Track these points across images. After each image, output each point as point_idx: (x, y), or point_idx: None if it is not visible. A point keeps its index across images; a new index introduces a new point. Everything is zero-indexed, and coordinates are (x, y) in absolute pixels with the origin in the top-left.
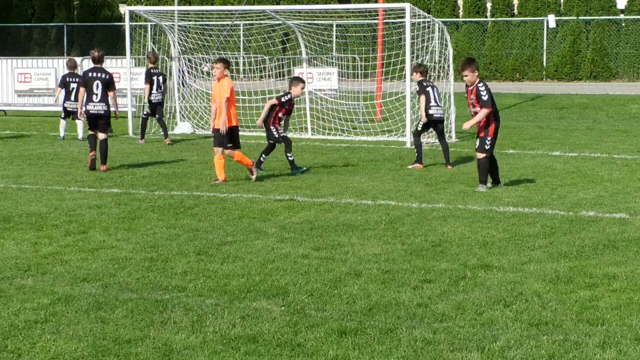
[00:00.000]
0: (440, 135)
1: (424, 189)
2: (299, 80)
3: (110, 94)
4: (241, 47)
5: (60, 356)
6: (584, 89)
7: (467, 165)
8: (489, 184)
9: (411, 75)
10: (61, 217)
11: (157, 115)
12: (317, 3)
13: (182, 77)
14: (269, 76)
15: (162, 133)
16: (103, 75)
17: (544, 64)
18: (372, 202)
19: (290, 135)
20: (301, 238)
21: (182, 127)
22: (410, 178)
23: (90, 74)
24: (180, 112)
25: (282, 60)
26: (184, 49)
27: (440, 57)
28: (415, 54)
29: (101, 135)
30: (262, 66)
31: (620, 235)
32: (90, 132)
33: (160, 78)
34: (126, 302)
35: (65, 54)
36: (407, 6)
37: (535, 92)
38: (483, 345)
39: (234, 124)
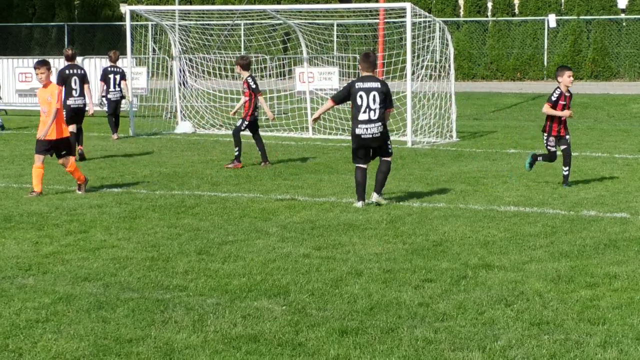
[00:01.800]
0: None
1: (424, 188)
2: None
3: (86, 86)
4: (242, 46)
5: (61, 355)
6: (585, 89)
7: (469, 165)
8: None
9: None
10: (62, 217)
11: (109, 112)
12: (318, 3)
13: (183, 77)
14: (269, 76)
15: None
16: (79, 71)
17: (545, 63)
18: (374, 202)
19: (291, 134)
20: (302, 237)
21: (183, 127)
22: (411, 177)
23: (67, 71)
24: (181, 112)
25: (283, 60)
26: (184, 48)
27: (441, 56)
28: (416, 54)
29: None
30: (263, 66)
31: (622, 235)
32: (72, 127)
33: (118, 76)
34: (127, 302)
35: None
36: (407, 6)
37: (536, 92)
38: (484, 345)
39: (65, 135)
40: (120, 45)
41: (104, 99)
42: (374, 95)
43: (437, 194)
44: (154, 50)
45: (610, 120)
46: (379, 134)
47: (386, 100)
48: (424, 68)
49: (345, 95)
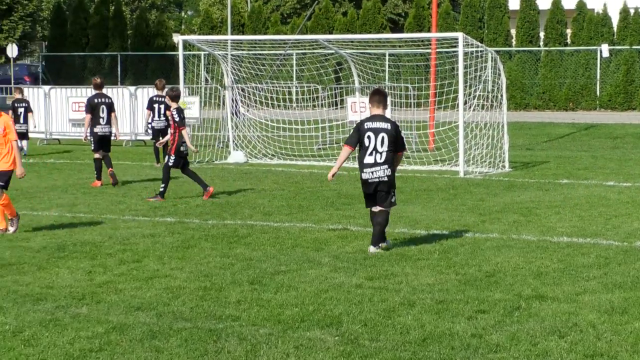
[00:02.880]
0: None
1: (477, 218)
2: None
3: (112, 115)
4: (294, 76)
5: None
6: (638, 119)
7: (521, 195)
8: None
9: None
10: (115, 246)
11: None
12: (370, 32)
13: (235, 107)
14: (321, 105)
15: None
16: (106, 100)
17: (598, 93)
18: (426, 232)
19: (344, 164)
20: (354, 267)
21: (236, 156)
22: (463, 208)
23: (95, 100)
24: (233, 141)
25: (335, 90)
26: (237, 78)
27: (493, 86)
28: (468, 83)
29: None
30: (315, 95)
31: None
32: (100, 153)
33: (162, 106)
34: (180, 331)
35: (119, 83)
36: (460, 35)
37: (589, 122)
38: None
39: (9, 168)
40: (173, 74)
41: (149, 126)
42: (383, 137)
43: (490, 224)
44: (206, 80)
45: None
46: (386, 178)
47: (396, 143)
48: (476, 98)
49: (358, 136)
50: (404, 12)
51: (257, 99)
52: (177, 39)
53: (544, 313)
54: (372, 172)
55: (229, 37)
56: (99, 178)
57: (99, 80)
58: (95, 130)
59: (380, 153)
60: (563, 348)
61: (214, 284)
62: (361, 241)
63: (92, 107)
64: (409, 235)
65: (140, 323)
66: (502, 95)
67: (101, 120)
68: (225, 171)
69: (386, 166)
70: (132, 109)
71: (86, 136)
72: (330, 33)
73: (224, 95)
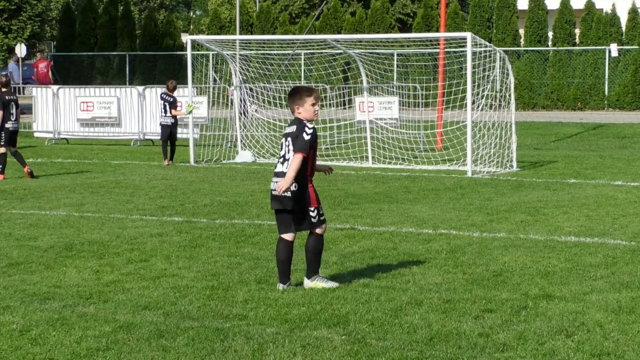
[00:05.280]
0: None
1: (484, 218)
2: None
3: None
4: (302, 76)
5: None
6: None
7: (529, 195)
8: None
9: None
10: (123, 245)
11: (161, 137)
12: (379, 32)
13: (243, 106)
14: (330, 105)
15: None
16: (14, 97)
17: (606, 93)
18: (433, 231)
19: (351, 164)
20: (362, 267)
21: (243, 156)
22: (471, 207)
23: (6, 97)
24: (241, 141)
25: (343, 89)
26: (245, 78)
27: (501, 86)
28: (476, 83)
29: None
30: (323, 95)
31: None
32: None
33: (167, 104)
34: (187, 331)
35: (127, 83)
36: (468, 35)
37: (597, 122)
38: None
39: None
40: (181, 74)
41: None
42: (289, 142)
43: (497, 224)
44: (214, 79)
45: None
46: (289, 192)
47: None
48: (484, 97)
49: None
50: (413, 12)
51: (265, 98)
52: (186, 38)
53: (551, 312)
54: (273, 183)
55: (238, 37)
56: (2, 172)
57: (4, 79)
58: (7, 126)
59: (288, 160)
60: (570, 347)
61: (221, 283)
62: (368, 241)
63: (3, 104)
64: (416, 234)
65: (147, 322)
66: (510, 95)
67: (11, 116)
68: (233, 171)
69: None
70: (140, 109)
71: None
72: (339, 33)
73: (231, 95)
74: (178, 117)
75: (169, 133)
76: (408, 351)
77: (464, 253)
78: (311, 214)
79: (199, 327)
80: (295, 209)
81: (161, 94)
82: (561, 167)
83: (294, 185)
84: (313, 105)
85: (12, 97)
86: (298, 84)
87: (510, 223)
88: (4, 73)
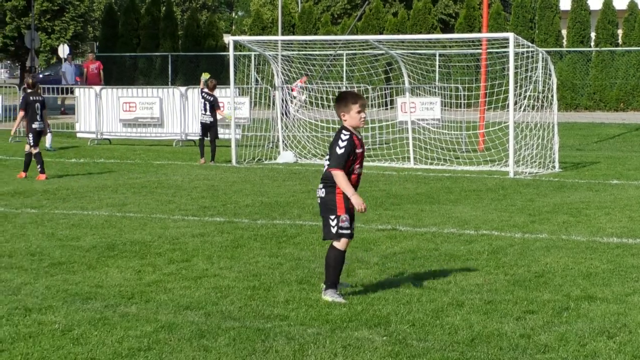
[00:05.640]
0: None
1: (526, 219)
2: None
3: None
4: (344, 76)
5: None
6: None
7: (571, 196)
8: None
9: None
10: (165, 245)
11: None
12: (421, 32)
13: (285, 107)
14: (371, 105)
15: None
16: (39, 98)
17: None
18: (475, 232)
19: (393, 164)
20: (403, 267)
21: (285, 157)
22: (513, 208)
23: (30, 98)
24: (283, 142)
25: (385, 90)
26: (287, 78)
27: (543, 87)
28: (518, 84)
29: (35, 150)
30: (365, 96)
31: None
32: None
33: (207, 103)
34: (228, 331)
35: (169, 84)
36: (510, 36)
37: None
38: None
39: None
40: (223, 75)
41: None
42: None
43: (539, 225)
44: (256, 80)
45: None
46: (318, 199)
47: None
48: (527, 98)
49: None
50: (455, 13)
51: (307, 99)
52: (228, 39)
53: (593, 314)
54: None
55: (280, 37)
56: (42, 172)
57: (30, 81)
58: (34, 126)
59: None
60: (612, 349)
61: (262, 284)
62: (410, 241)
63: (27, 104)
64: (457, 235)
65: (188, 322)
66: (552, 96)
67: (37, 117)
68: (274, 171)
69: (320, 184)
70: (182, 109)
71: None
72: (381, 33)
73: (274, 96)
74: (219, 117)
75: (209, 130)
76: (449, 352)
77: (506, 254)
78: (330, 222)
79: (240, 327)
80: (322, 215)
81: (201, 92)
82: (603, 168)
83: (322, 191)
84: (359, 112)
85: (37, 97)
86: (341, 87)
87: (552, 224)
88: (47, 73)
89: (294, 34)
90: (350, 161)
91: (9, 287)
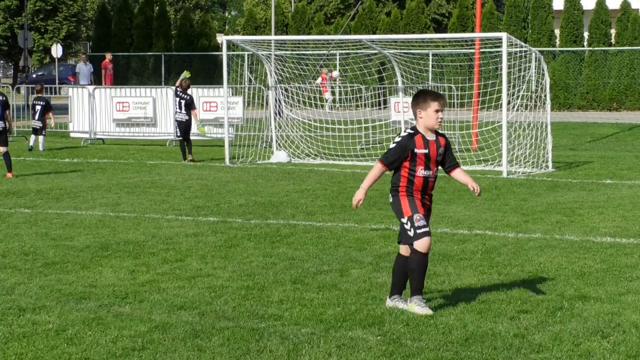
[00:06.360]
0: None
1: (520, 218)
2: None
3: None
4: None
5: None
6: None
7: (564, 195)
8: None
9: None
10: (158, 245)
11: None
12: (414, 32)
13: (279, 107)
14: (364, 105)
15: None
16: (2, 98)
17: None
18: (468, 232)
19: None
20: None
21: (279, 156)
22: (506, 208)
23: None
24: (276, 141)
25: (378, 90)
26: (280, 78)
27: (536, 86)
28: (511, 83)
29: (2, 149)
30: (358, 95)
31: None
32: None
33: (183, 102)
34: (222, 331)
35: (163, 83)
36: (504, 35)
37: (633, 122)
38: None
39: None
40: (217, 75)
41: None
42: None
43: (533, 225)
44: (250, 80)
45: None
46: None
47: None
48: (520, 98)
49: None
50: (448, 12)
51: (301, 99)
52: (221, 39)
53: (587, 313)
54: None
55: (273, 37)
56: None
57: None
58: None
59: None
60: (606, 348)
61: (256, 284)
62: None
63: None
64: (451, 235)
65: (182, 322)
66: (545, 95)
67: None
68: (268, 171)
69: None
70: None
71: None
72: (374, 33)
73: (267, 96)
74: (193, 122)
75: (185, 129)
76: (443, 352)
77: (500, 254)
78: (405, 226)
79: (234, 327)
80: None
81: (175, 90)
82: (597, 167)
83: (389, 196)
84: (437, 112)
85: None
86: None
87: (546, 224)
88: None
89: (287, 34)
90: (408, 161)
91: (2, 287)
